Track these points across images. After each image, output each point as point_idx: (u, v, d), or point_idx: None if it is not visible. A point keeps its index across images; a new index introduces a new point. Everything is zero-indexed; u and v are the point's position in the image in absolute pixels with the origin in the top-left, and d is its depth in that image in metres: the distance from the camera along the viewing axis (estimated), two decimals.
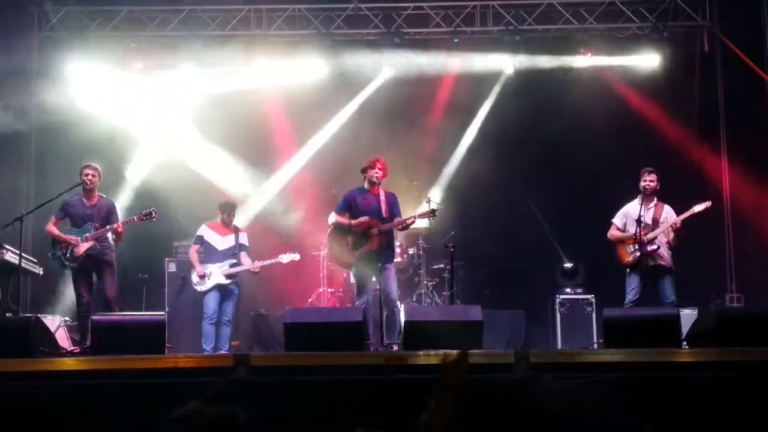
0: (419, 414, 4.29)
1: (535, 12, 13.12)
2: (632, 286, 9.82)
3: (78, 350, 9.03)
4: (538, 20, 13.14)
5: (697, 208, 9.74)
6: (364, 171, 9.88)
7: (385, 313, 9.50)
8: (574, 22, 13.09)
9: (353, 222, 9.70)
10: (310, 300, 12.17)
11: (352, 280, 11.59)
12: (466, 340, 7.48)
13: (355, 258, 9.71)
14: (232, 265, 10.54)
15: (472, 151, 13.42)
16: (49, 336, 8.34)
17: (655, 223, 9.86)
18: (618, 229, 10.10)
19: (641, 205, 9.85)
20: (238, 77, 13.27)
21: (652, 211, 9.93)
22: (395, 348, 9.21)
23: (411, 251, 12.23)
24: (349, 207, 9.86)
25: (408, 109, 13.43)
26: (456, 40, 13.36)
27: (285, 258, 10.80)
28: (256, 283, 11.60)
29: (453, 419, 5.30)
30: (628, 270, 9.91)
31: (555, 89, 13.14)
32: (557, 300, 11.67)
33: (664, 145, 12.64)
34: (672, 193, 10.29)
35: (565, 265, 12.28)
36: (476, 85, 13.49)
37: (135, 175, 13.08)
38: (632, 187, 10.11)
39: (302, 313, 9.10)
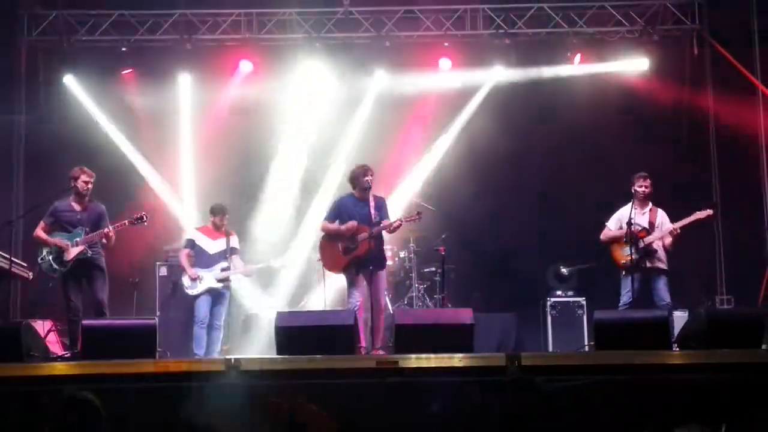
0: (411, 417, 4.31)
1: (526, 15, 13.14)
2: (627, 288, 9.84)
3: (68, 355, 8.99)
4: (528, 24, 13.16)
5: (699, 215, 9.79)
6: (355, 179, 9.85)
7: (374, 320, 9.47)
8: (564, 25, 13.12)
9: (342, 227, 9.70)
10: (301, 303, 12.16)
11: (343, 284, 11.62)
12: (456, 344, 7.50)
13: (346, 263, 9.72)
14: (223, 269, 10.53)
15: (463, 153, 13.42)
16: (39, 341, 8.31)
17: (652, 226, 9.91)
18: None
19: (633, 209, 9.88)
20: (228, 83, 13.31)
21: (647, 215, 9.98)
22: (381, 352, 9.20)
23: (402, 254, 12.23)
24: (339, 214, 9.87)
25: (396, 115, 13.46)
26: (446, 44, 13.38)
27: (276, 262, 10.82)
28: (247, 286, 11.60)
29: (450, 421, 5.31)
30: (623, 272, 9.93)
31: (545, 92, 13.16)
32: (548, 302, 11.69)
33: (654, 149, 12.66)
34: (662, 198, 10.31)
35: (563, 270, 12.29)
36: (465, 89, 13.49)
37: (125, 179, 13.05)
38: (622, 191, 10.14)
39: (293, 316, 9.07)
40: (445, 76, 13.46)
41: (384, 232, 9.81)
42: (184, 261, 10.70)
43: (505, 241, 12.81)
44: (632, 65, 13.23)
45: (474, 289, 12.71)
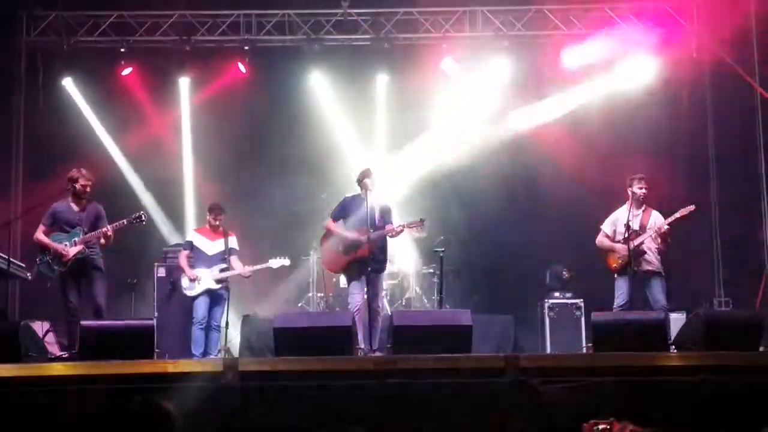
0: (408, 418, 4.31)
1: (525, 17, 13.15)
2: (620, 291, 9.85)
3: (66, 355, 9.00)
4: (527, 26, 13.17)
5: (682, 212, 9.78)
6: (359, 180, 9.95)
7: (370, 321, 9.48)
8: (563, 28, 13.12)
9: (345, 235, 9.74)
10: (300, 304, 12.16)
11: (342, 284, 11.64)
12: (455, 345, 7.52)
13: (346, 263, 9.75)
14: (222, 270, 10.53)
15: (460, 156, 13.42)
16: (37, 341, 8.32)
17: (643, 228, 9.90)
18: (607, 235, 10.14)
19: (630, 210, 9.89)
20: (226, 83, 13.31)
21: (639, 216, 9.97)
22: (378, 353, 9.21)
23: (400, 256, 12.23)
24: (344, 213, 9.94)
25: (396, 116, 13.48)
26: (445, 46, 13.39)
27: (275, 263, 10.79)
28: (245, 287, 11.58)
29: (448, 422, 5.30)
30: (615, 275, 9.95)
31: (543, 94, 13.16)
32: (546, 304, 11.69)
33: (653, 151, 12.67)
34: (659, 200, 10.33)
35: (564, 273, 12.29)
36: (464, 90, 13.48)
37: (123, 180, 13.06)
38: (620, 193, 10.16)
39: (292, 317, 9.09)
40: (444, 77, 13.45)
41: (388, 237, 9.87)
42: (183, 262, 10.71)
43: (503, 243, 12.81)
44: (631, 66, 13.21)
45: (472, 290, 12.72)
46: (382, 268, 9.95)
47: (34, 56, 13.14)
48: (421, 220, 10.06)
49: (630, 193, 9.98)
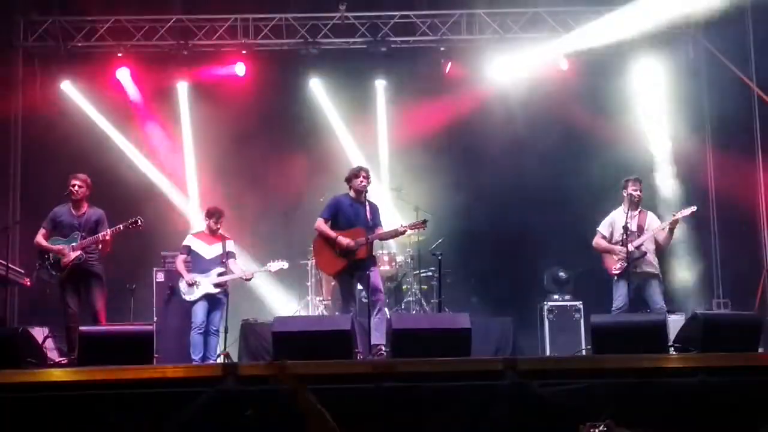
0: (406, 421, 4.31)
1: (522, 20, 13.17)
2: (619, 294, 9.86)
3: (65, 361, 8.99)
4: (524, 28, 13.18)
5: (684, 212, 9.79)
6: (348, 180, 9.93)
7: (373, 316, 9.46)
8: (560, 30, 13.13)
9: (339, 240, 9.70)
10: (298, 309, 12.16)
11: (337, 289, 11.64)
12: (454, 348, 7.51)
13: (342, 267, 9.73)
14: (220, 274, 10.52)
15: (458, 159, 13.44)
16: (36, 347, 8.31)
17: (640, 229, 9.92)
18: (604, 237, 10.14)
19: (627, 212, 9.90)
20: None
21: (636, 218, 9.99)
22: (383, 350, 9.19)
23: (399, 259, 12.24)
24: (334, 214, 9.89)
25: (396, 119, 13.50)
26: (443, 48, 13.41)
27: (273, 266, 10.78)
28: (244, 291, 11.59)
29: (447, 426, 5.28)
30: (614, 277, 9.95)
31: (541, 96, 13.17)
32: (545, 307, 11.69)
33: (650, 153, 12.68)
34: (657, 202, 10.34)
35: (560, 274, 12.29)
36: (464, 93, 13.50)
37: (121, 185, 13.05)
38: (618, 194, 10.16)
39: (290, 321, 9.08)
40: (443, 79, 13.46)
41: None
42: (180, 267, 10.69)
43: (502, 245, 12.83)
44: (628, 68, 13.22)
45: (471, 293, 12.73)
46: (375, 263, 9.98)
47: (31, 61, 13.16)
48: (424, 222, 10.04)
49: (625, 194, 9.99)
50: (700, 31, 12.96)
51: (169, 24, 13.13)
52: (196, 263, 10.64)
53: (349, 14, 13.13)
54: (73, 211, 9.76)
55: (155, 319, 11.30)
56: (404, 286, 12.24)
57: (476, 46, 13.33)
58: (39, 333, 9.81)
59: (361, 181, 9.81)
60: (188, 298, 10.50)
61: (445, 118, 13.47)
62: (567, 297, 11.92)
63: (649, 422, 6.54)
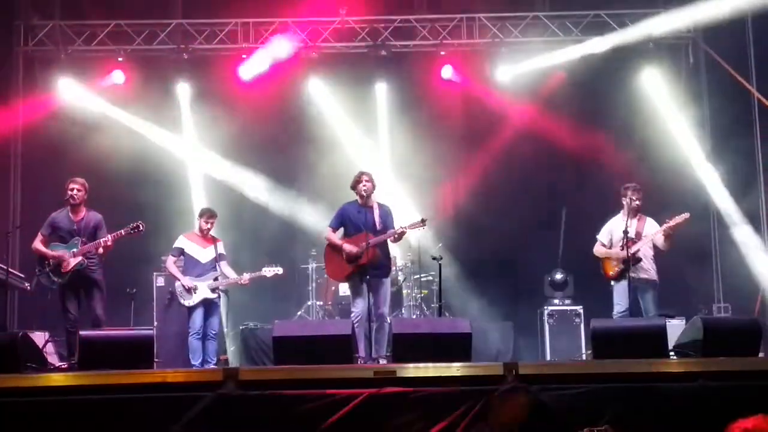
0: (407, 426, 4.31)
1: (521, 24, 13.19)
2: (619, 298, 9.89)
3: (66, 366, 8.98)
4: (524, 33, 13.19)
5: (677, 219, 9.81)
6: (353, 187, 9.93)
7: (374, 326, 9.49)
8: (560, 34, 13.15)
9: (345, 247, 9.72)
10: (299, 313, 12.15)
11: (342, 292, 11.64)
12: (454, 353, 7.50)
13: (350, 272, 9.74)
14: (216, 279, 10.47)
15: (459, 163, 13.44)
16: (36, 351, 8.30)
17: (639, 236, 9.95)
18: (603, 245, 10.17)
19: (626, 219, 9.92)
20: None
21: (634, 224, 10.01)
22: (383, 361, 9.22)
23: (400, 263, 12.24)
24: (342, 222, 9.92)
25: (396, 122, 13.51)
26: (443, 53, 13.42)
27: (268, 271, 10.70)
28: (244, 296, 11.58)
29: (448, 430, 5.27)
30: (612, 282, 9.97)
31: (540, 102, 13.18)
32: (545, 311, 11.70)
33: (650, 158, 12.69)
34: (658, 207, 10.35)
35: (557, 276, 12.29)
36: (464, 97, 13.51)
37: (122, 189, 13.04)
38: (617, 199, 10.17)
39: (291, 326, 9.07)
40: (443, 84, 13.49)
41: (390, 241, 9.87)
42: (174, 270, 10.59)
43: (502, 250, 12.83)
44: (628, 73, 13.22)
45: (472, 297, 12.72)
46: (384, 273, 9.92)
47: (32, 65, 13.17)
48: (423, 220, 10.04)
49: (625, 201, 10.02)
50: (701, 35, 12.96)
51: (169, 28, 13.15)
52: (192, 267, 10.57)
53: (350, 18, 13.15)
54: (72, 216, 9.75)
55: (155, 323, 11.31)
56: (404, 291, 12.23)
57: (476, 50, 13.35)
58: (39, 337, 9.82)
59: (364, 185, 9.82)
60: (187, 303, 10.45)
61: (445, 122, 13.48)
62: (567, 302, 11.92)
63: (649, 427, 6.54)
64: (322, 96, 13.60)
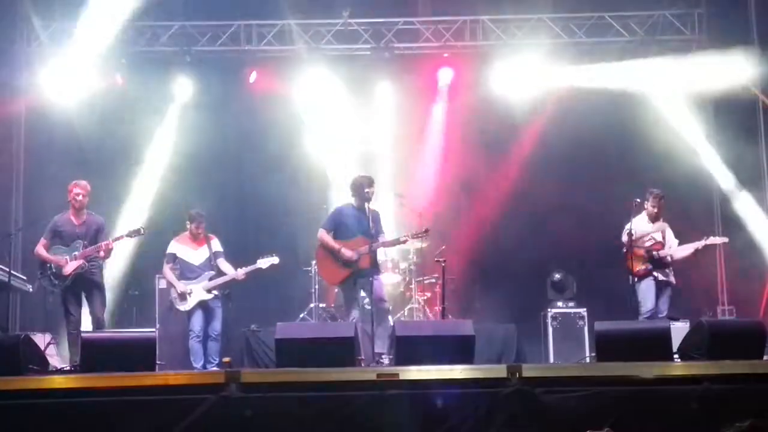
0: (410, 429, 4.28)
1: (525, 26, 13.16)
2: (646, 297, 10.14)
3: (68, 368, 8.98)
4: (528, 35, 13.16)
5: (715, 240, 10.40)
6: (355, 189, 9.87)
7: (376, 325, 9.45)
8: (564, 36, 13.13)
9: (342, 251, 9.69)
10: (301, 315, 12.13)
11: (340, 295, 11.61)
12: (457, 355, 7.48)
13: (346, 276, 9.72)
14: (211, 278, 10.39)
15: (462, 165, 13.41)
16: (38, 354, 8.29)
17: (663, 238, 10.30)
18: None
19: (649, 221, 10.28)
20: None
21: (658, 227, 10.35)
22: (385, 360, 9.18)
23: (402, 266, 12.21)
24: (337, 224, 9.88)
25: (399, 124, 13.50)
26: (446, 55, 13.40)
27: (264, 262, 10.53)
28: (247, 298, 11.56)
29: None
30: (636, 279, 10.10)
31: (546, 103, 13.14)
32: (549, 314, 11.67)
33: (655, 160, 12.65)
34: (670, 214, 10.42)
35: (556, 276, 12.26)
36: (467, 99, 13.48)
37: (124, 192, 13.06)
38: (623, 200, 10.18)
39: (293, 328, 9.04)
40: (446, 86, 13.47)
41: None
42: (170, 276, 10.43)
43: (505, 252, 12.80)
44: (632, 74, 13.18)
45: (474, 300, 12.70)
46: (379, 271, 10.00)
47: (34, 66, 13.14)
48: (426, 230, 10.02)
49: (647, 206, 10.33)
50: (705, 37, 12.95)
51: (172, 30, 13.14)
52: (185, 270, 10.46)
53: (353, 20, 13.13)
54: (74, 220, 9.75)
55: (158, 325, 11.28)
56: (407, 293, 12.21)
57: (480, 52, 13.32)
58: (41, 339, 9.83)
59: (369, 192, 9.79)
60: (182, 308, 10.34)
61: (448, 124, 13.46)
62: (570, 304, 11.89)
63: (652, 430, 6.52)
64: (323, 98, 13.54)
